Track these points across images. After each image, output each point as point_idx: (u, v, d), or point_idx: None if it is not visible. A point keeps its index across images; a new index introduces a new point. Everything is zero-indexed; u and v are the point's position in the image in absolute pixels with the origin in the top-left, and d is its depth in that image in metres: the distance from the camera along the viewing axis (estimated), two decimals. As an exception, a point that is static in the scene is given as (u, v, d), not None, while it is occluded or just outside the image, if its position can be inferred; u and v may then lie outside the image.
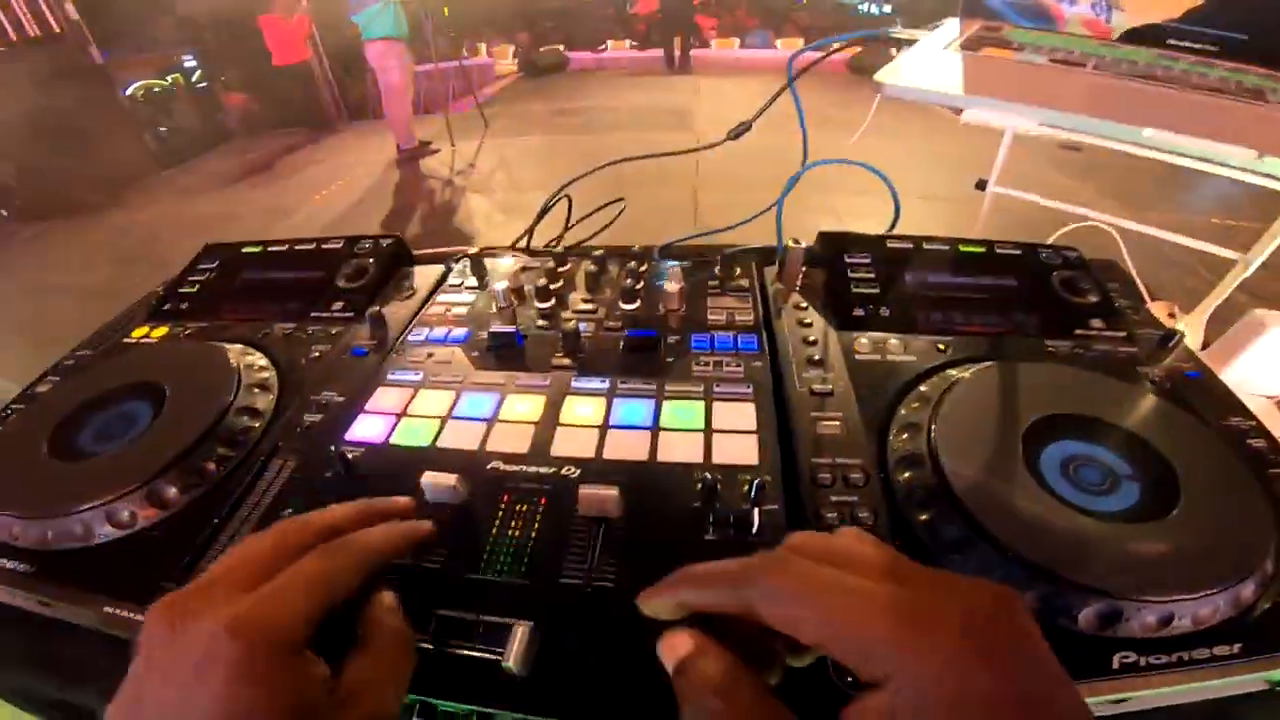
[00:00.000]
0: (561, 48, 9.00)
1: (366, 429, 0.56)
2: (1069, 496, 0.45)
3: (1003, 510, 0.43)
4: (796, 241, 0.68)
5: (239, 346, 0.70)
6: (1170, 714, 0.40)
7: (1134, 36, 0.62)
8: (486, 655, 0.38)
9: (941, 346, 0.61)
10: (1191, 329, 0.91)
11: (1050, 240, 0.90)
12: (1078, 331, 0.65)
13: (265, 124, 6.48)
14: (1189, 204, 3.78)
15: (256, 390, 0.64)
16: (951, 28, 0.72)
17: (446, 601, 0.41)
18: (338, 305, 0.77)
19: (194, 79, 6.13)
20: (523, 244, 0.96)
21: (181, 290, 0.84)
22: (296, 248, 0.89)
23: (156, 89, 5.78)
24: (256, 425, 0.60)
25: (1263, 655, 0.38)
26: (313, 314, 0.77)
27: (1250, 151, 0.43)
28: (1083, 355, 0.62)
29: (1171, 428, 0.51)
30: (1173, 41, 0.65)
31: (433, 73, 5.62)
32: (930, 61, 0.58)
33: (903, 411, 0.53)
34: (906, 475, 0.47)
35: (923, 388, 0.55)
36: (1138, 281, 0.91)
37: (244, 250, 0.90)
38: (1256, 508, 0.44)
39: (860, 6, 8.73)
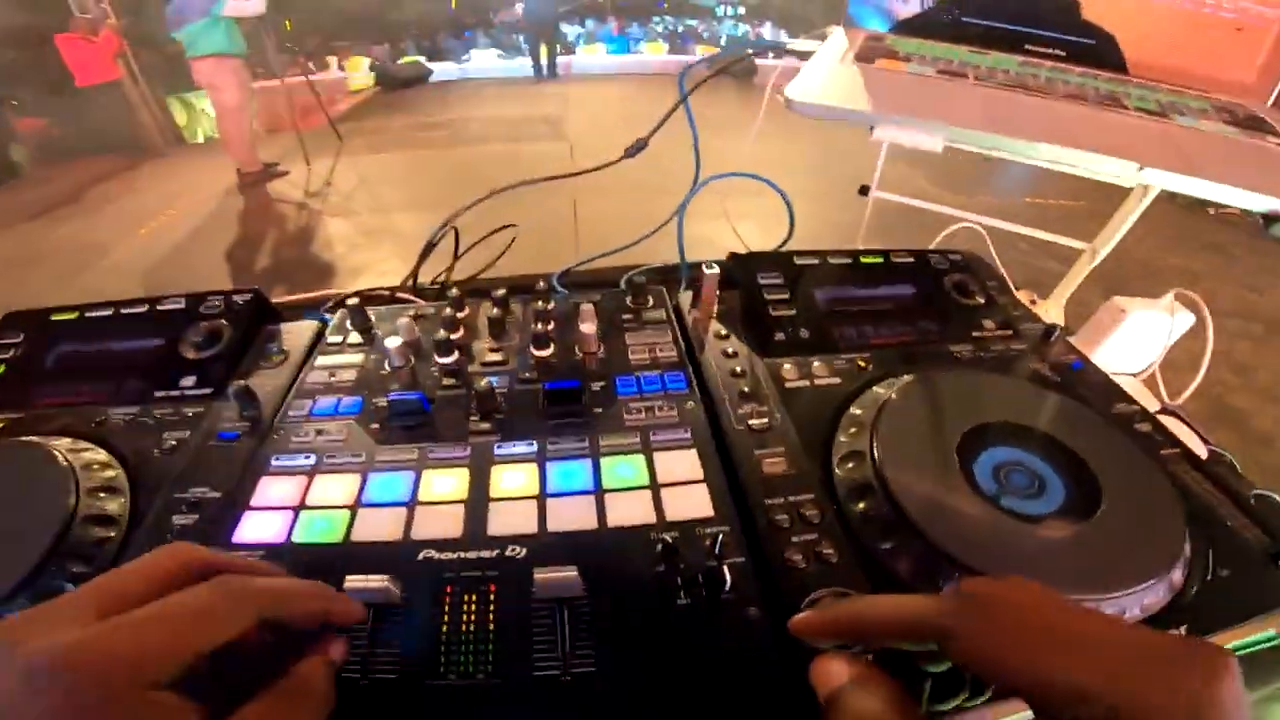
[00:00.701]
0: (423, 59, 8.61)
1: (258, 528, 0.47)
2: (1008, 504, 0.46)
3: (958, 530, 0.43)
4: (710, 265, 0.65)
5: (66, 441, 0.57)
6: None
7: (993, 41, 0.67)
8: None
9: (862, 364, 0.61)
10: (1054, 315, 1.01)
11: (933, 244, 0.96)
12: (973, 334, 0.69)
13: (70, 151, 5.60)
14: (1004, 188, 4.29)
15: (103, 494, 0.52)
16: (839, 39, 0.73)
17: (415, 714, 0.36)
18: (189, 381, 0.64)
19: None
20: (408, 284, 0.87)
21: None
22: (125, 311, 0.73)
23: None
24: (113, 535, 0.49)
25: (1204, 632, 0.41)
26: (158, 393, 0.64)
27: (1132, 163, 0.46)
28: (983, 358, 0.65)
29: (1078, 424, 0.54)
30: (1029, 47, 0.71)
31: (277, 88, 5.15)
32: (831, 75, 0.58)
33: (842, 438, 0.52)
34: (860, 506, 0.46)
35: (855, 410, 0.55)
36: (1005, 275, 1.00)
37: (55, 318, 0.74)
38: (1166, 493, 0.47)
39: (718, 8, 9.14)
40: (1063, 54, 0.66)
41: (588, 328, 0.61)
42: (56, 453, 0.54)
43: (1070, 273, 1.02)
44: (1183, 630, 0.41)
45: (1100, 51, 0.69)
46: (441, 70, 8.59)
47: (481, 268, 0.95)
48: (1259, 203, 0.48)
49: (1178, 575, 0.43)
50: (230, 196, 4.53)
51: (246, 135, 4.53)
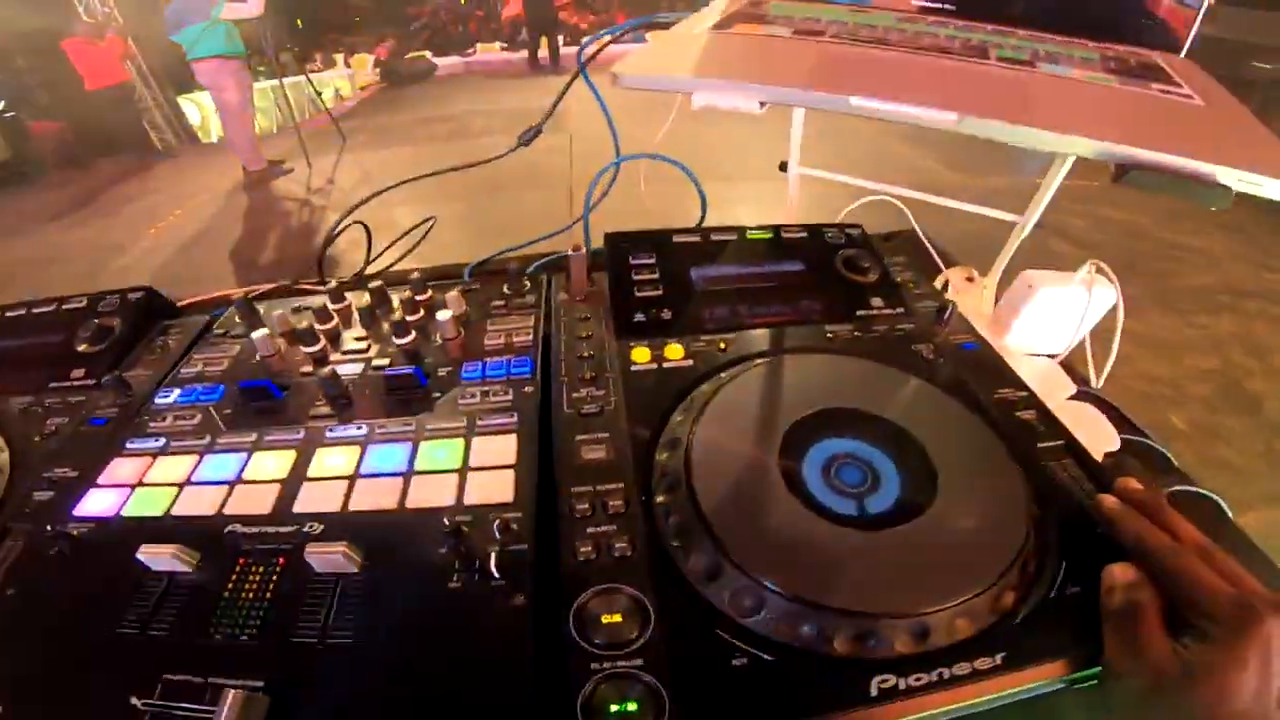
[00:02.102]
0: (428, 54, 8.65)
1: (96, 503, 0.50)
2: (828, 503, 0.43)
3: (749, 528, 0.41)
4: (578, 248, 0.65)
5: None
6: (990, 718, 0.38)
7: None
8: (202, 715, 0.35)
9: (723, 345, 0.60)
10: (989, 291, 0.97)
11: (841, 216, 0.93)
12: (859, 312, 0.66)
13: (86, 152, 5.77)
14: (1025, 166, 4.15)
15: None
16: (715, 6, 0.71)
17: (177, 667, 0.38)
18: (78, 372, 0.67)
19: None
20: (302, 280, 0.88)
21: None
22: (35, 310, 0.77)
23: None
24: None
25: (1028, 664, 0.37)
26: (51, 384, 0.67)
27: (949, 115, 0.44)
28: (861, 338, 0.63)
29: (929, 412, 0.51)
30: (919, 3, 0.67)
31: (279, 87, 5.22)
32: (673, 46, 0.56)
33: (669, 426, 0.51)
34: (661, 499, 0.45)
35: (693, 396, 0.53)
36: (931, 250, 0.97)
37: None
38: (1010, 496, 0.43)
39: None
40: (952, 8, 0.63)
41: (444, 315, 0.61)
42: None
43: (1004, 248, 0.98)
44: (999, 659, 0.36)
45: (985, 5, 0.66)
46: (446, 64, 8.62)
47: (400, 255, 0.95)
48: (1085, 148, 0.44)
49: (1007, 595, 0.39)
50: (236, 195, 4.62)
51: (250, 134, 4.61)
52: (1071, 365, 0.81)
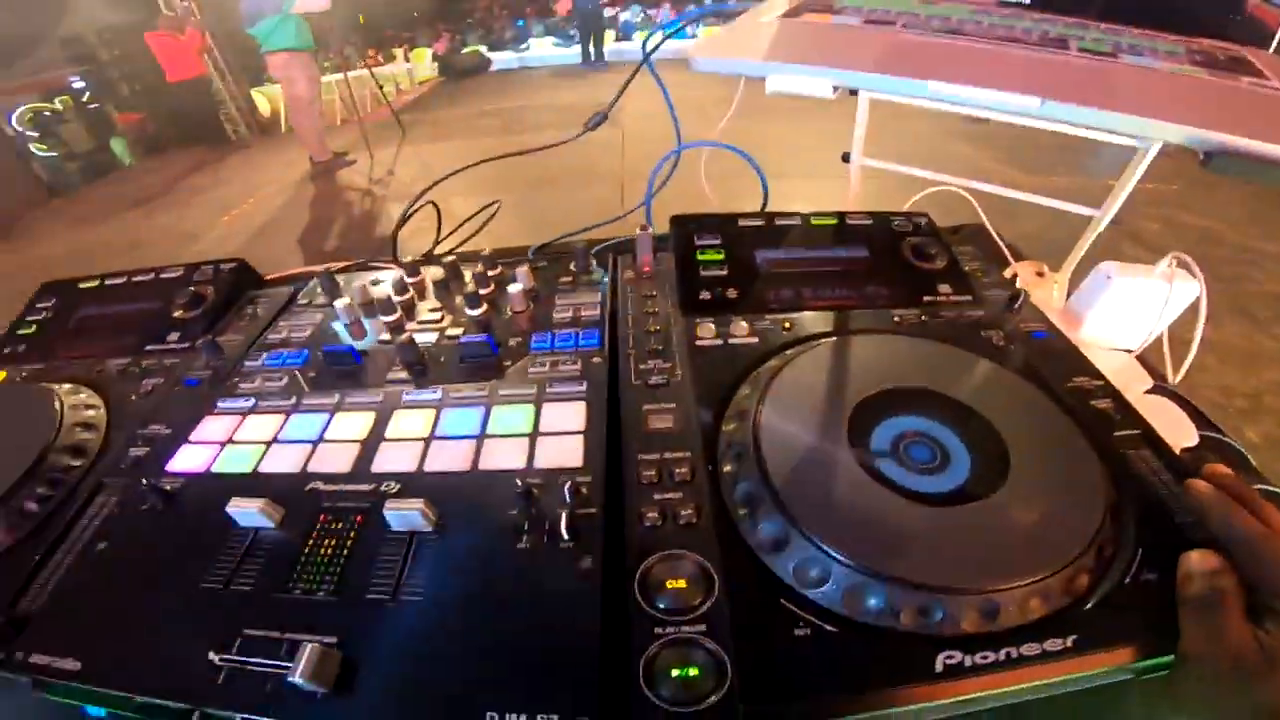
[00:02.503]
0: (484, 49, 8.83)
1: (188, 459, 0.54)
2: (897, 478, 0.43)
3: (819, 501, 0.41)
4: (645, 227, 0.66)
5: (67, 386, 0.66)
6: (1048, 705, 0.37)
7: None
8: (278, 671, 0.37)
9: (787, 325, 0.60)
10: (1060, 286, 0.94)
11: (907, 206, 0.92)
12: (926, 298, 0.65)
13: (164, 142, 6.11)
14: (1088, 166, 3.97)
15: (80, 429, 0.60)
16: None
17: (256, 622, 0.40)
18: (174, 336, 0.72)
19: (84, 99, 5.74)
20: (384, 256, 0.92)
21: (20, 332, 0.79)
22: (135, 279, 0.84)
23: (47, 112, 5.40)
24: (79, 464, 0.57)
25: (1099, 649, 0.36)
26: (147, 348, 0.72)
27: (1032, 100, 0.43)
28: (927, 322, 0.62)
29: (1000, 394, 0.50)
30: None
31: (344, 81, 5.42)
32: (744, 33, 0.57)
33: (736, 399, 0.51)
34: (729, 468, 0.46)
35: (758, 371, 0.54)
36: (1000, 243, 0.94)
37: (81, 286, 0.85)
38: (1088, 480, 0.42)
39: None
40: (1028, 2, 0.61)
41: (514, 289, 0.63)
42: (52, 394, 0.63)
43: (1079, 242, 0.94)
44: (1069, 642, 0.36)
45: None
46: (500, 60, 8.78)
47: (463, 239, 0.98)
48: (1174, 133, 0.43)
49: (1081, 578, 0.38)
50: (303, 185, 4.82)
51: (317, 126, 4.80)
52: (1147, 361, 0.77)
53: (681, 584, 0.39)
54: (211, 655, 0.38)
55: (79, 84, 5.72)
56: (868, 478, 0.43)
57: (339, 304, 0.66)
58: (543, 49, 9.14)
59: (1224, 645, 0.34)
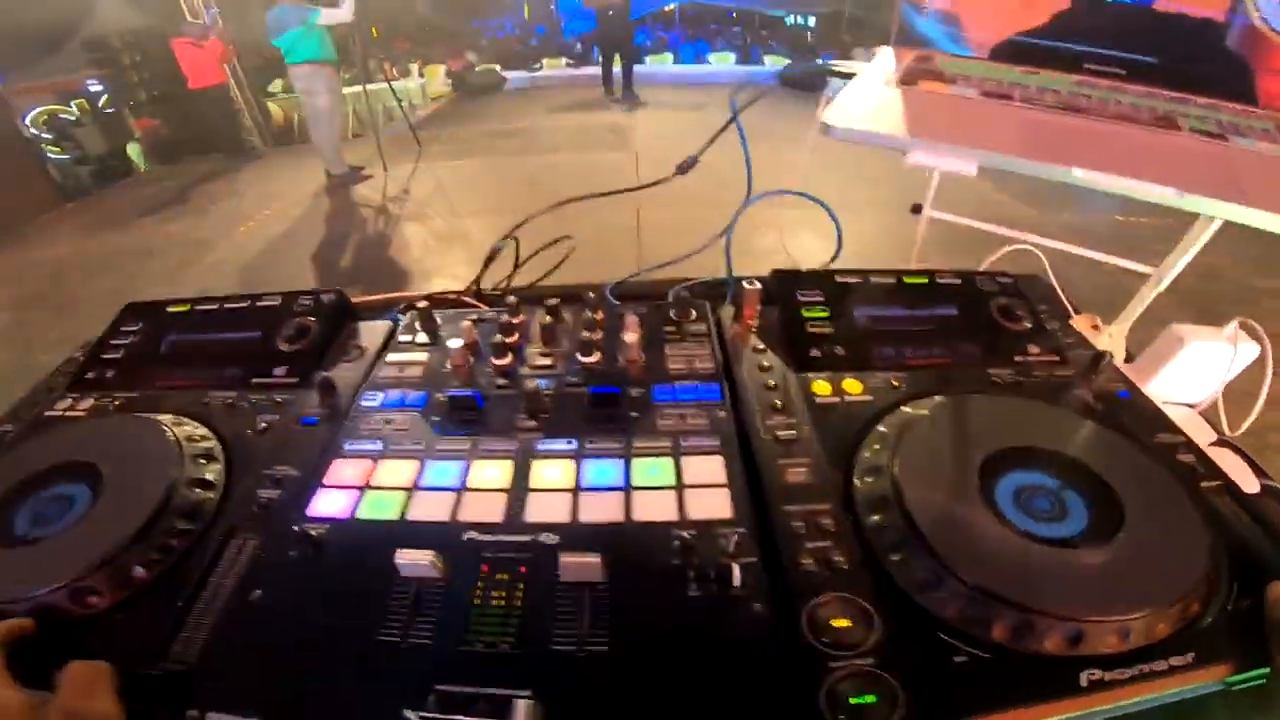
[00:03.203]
0: (498, 67, 8.95)
1: (329, 504, 0.54)
2: (1024, 526, 0.48)
3: (967, 547, 0.45)
4: (750, 281, 0.69)
5: (170, 417, 0.66)
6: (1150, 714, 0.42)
7: (1050, 61, 0.66)
8: None
9: (895, 383, 0.63)
10: (1115, 341, 0.98)
11: (983, 265, 0.95)
12: (1016, 358, 0.69)
13: (180, 150, 6.14)
14: (1093, 203, 4.05)
15: (202, 461, 0.60)
16: (886, 58, 0.75)
17: (441, 676, 0.40)
18: (280, 370, 0.73)
19: (100, 103, 5.77)
20: (471, 290, 0.94)
21: (105, 357, 0.79)
22: (228, 306, 0.84)
23: (62, 115, 5.43)
24: (211, 496, 0.57)
25: (1214, 663, 0.41)
26: (254, 380, 0.73)
27: (1170, 190, 0.46)
28: (1023, 383, 0.65)
29: (1109, 452, 0.54)
30: (1088, 66, 0.70)
31: (362, 94, 5.47)
32: (870, 98, 0.60)
33: (865, 454, 0.54)
34: (875, 518, 0.49)
35: (881, 428, 0.56)
36: (1062, 298, 0.98)
37: (170, 310, 0.85)
38: (1193, 524, 0.47)
39: (789, 18, 9.08)
40: (1122, 72, 0.65)
41: (630, 337, 0.66)
42: (165, 427, 0.63)
43: (1135, 299, 0.98)
44: (1189, 658, 0.41)
45: (1164, 70, 0.68)
46: (514, 78, 8.90)
47: (539, 276, 1.01)
48: None
49: (1194, 604, 0.43)
50: (319, 198, 4.85)
51: (336, 139, 4.85)
52: (1206, 415, 0.81)
53: (846, 622, 0.42)
54: (408, 714, 0.38)
55: (96, 87, 5.75)
56: (1004, 524, 0.47)
57: (452, 345, 0.68)
58: (555, 69, 9.29)
59: None
